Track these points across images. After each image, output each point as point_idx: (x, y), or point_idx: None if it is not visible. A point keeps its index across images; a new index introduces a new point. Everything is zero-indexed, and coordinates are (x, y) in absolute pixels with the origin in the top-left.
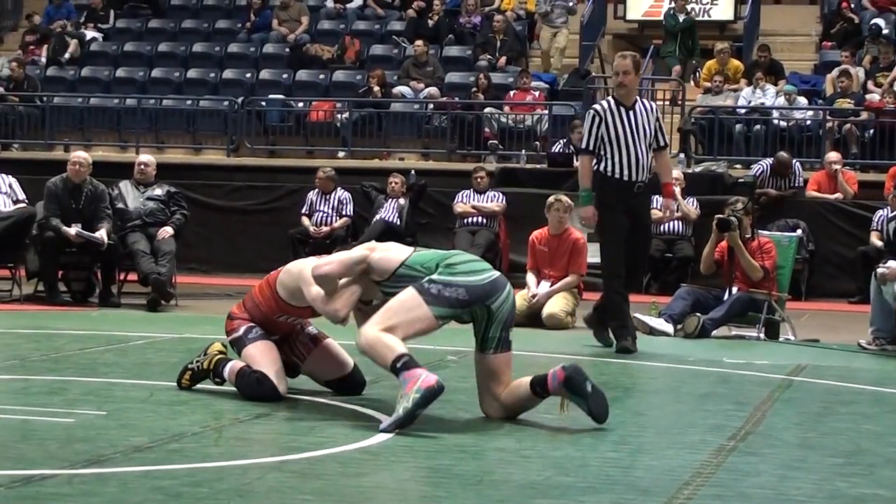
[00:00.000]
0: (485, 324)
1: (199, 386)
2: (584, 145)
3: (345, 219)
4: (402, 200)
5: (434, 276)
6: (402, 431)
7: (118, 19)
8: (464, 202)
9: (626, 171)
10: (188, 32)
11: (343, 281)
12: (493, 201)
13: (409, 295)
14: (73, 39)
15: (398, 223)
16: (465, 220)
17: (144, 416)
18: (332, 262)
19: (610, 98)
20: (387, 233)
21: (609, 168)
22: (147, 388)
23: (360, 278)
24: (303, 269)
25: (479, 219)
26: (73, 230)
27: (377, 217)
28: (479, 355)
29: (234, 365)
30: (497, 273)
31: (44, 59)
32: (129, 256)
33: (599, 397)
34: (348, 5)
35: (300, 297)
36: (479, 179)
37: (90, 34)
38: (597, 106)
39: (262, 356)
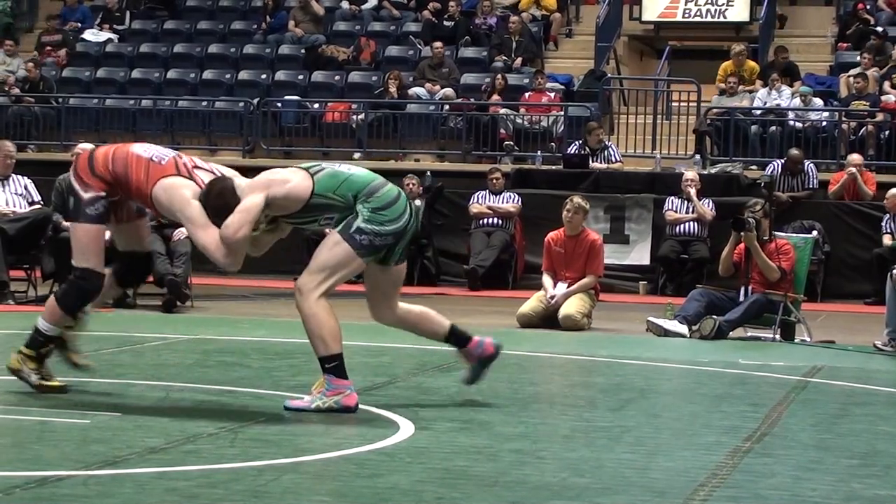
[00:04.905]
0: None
1: (214, 387)
2: None
3: None
4: (417, 202)
5: (361, 225)
6: (418, 433)
7: (134, 20)
8: (479, 203)
9: None
10: (204, 34)
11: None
12: (509, 202)
13: (342, 249)
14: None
15: None
16: (481, 221)
17: (160, 417)
18: (241, 223)
19: None
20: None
21: None
22: (162, 389)
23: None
24: (185, 203)
25: (495, 220)
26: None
27: None
28: (380, 268)
29: (47, 307)
30: (403, 196)
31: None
32: None
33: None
34: (363, 6)
35: (170, 214)
36: (494, 180)
37: (105, 35)
38: None
39: (89, 243)
